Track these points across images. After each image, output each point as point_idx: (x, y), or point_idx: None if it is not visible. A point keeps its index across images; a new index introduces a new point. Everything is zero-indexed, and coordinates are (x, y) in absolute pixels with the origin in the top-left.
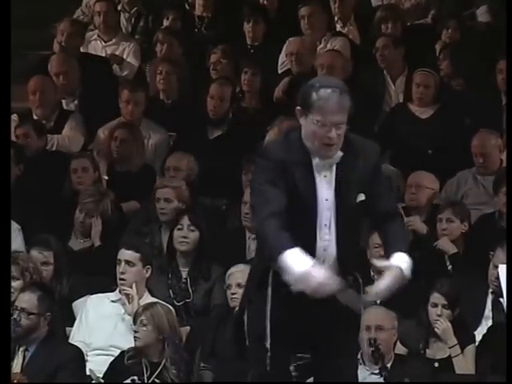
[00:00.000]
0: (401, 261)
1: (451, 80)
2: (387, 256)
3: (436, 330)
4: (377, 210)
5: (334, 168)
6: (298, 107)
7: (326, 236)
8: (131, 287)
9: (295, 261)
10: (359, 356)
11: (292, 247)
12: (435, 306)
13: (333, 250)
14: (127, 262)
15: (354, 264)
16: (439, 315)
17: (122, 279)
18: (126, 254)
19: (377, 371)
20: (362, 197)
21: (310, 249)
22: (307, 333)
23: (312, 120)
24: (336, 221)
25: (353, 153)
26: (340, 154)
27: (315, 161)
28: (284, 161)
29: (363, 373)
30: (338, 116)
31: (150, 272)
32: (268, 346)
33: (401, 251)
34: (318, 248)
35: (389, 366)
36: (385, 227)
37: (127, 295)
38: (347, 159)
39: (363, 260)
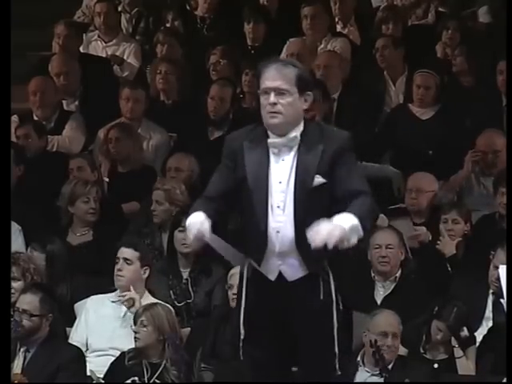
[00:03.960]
0: (345, 220)
1: (461, 77)
2: None
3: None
4: (338, 194)
5: (294, 152)
6: (258, 90)
7: (279, 218)
8: (129, 290)
9: (191, 217)
10: (359, 358)
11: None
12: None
13: (287, 232)
14: (125, 260)
15: (318, 251)
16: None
17: (119, 275)
18: (124, 251)
19: (377, 372)
20: (319, 178)
21: (262, 229)
22: (280, 322)
23: (260, 93)
24: (295, 205)
25: (314, 137)
26: (295, 135)
27: (273, 142)
28: (236, 145)
29: (363, 374)
30: (278, 82)
31: (148, 272)
32: (242, 335)
33: (351, 213)
34: (272, 229)
35: (389, 367)
36: (347, 206)
37: (129, 300)
38: (307, 143)
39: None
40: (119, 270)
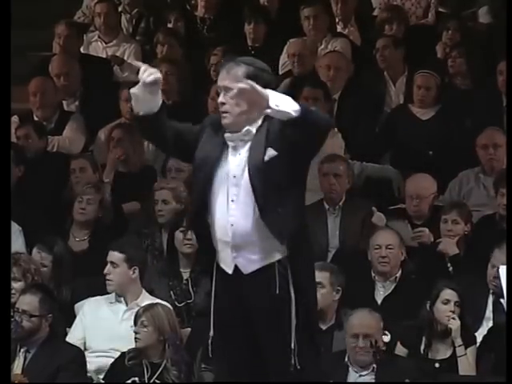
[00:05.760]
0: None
1: (458, 79)
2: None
3: (449, 326)
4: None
5: (248, 145)
6: None
7: (233, 211)
8: (119, 289)
9: None
10: (346, 359)
11: None
12: (448, 302)
13: (241, 225)
14: (112, 263)
15: (280, 243)
16: (452, 311)
17: (107, 280)
18: (111, 254)
19: (364, 373)
20: (270, 151)
21: (206, 221)
22: (241, 317)
23: None
24: (253, 194)
25: (263, 129)
26: (248, 129)
27: (228, 136)
28: (204, 127)
29: (352, 374)
30: (226, 81)
31: (137, 272)
32: (211, 332)
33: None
34: (227, 223)
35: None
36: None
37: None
38: (258, 137)
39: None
40: (107, 273)
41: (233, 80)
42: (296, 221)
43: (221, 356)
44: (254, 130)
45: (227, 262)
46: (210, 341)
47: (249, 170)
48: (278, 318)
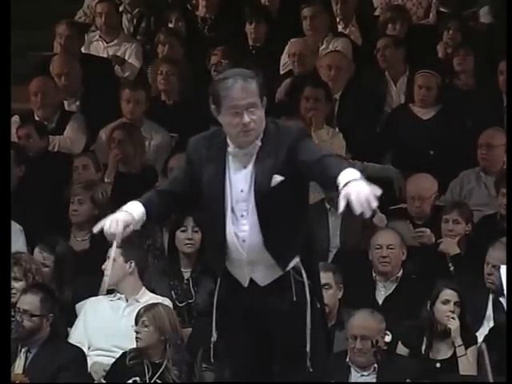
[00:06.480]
0: (350, 174)
1: (461, 77)
2: (334, 181)
3: (449, 326)
4: (313, 173)
5: (254, 158)
6: (212, 106)
7: (244, 227)
8: (117, 286)
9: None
10: (347, 359)
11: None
12: (447, 302)
13: (254, 239)
14: (109, 258)
15: (292, 252)
16: (452, 311)
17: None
18: (108, 250)
19: (366, 374)
20: (277, 178)
21: (220, 239)
22: (254, 324)
23: (226, 112)
24: (258, 210)
25: (271, 139)
26: (258, 143)
27: (233, 151)
28: (195, 156)
29: (354, 374)
30: (246, 100)
31: (133, 266)
32: (214, 338)
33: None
34: (238, 239)
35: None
36: (318, 171)
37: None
38: (265, 147)
39: (309, 248)
40: (105, 269)
41: (253, 96)
42: (302, 236)
43: (224, 361)
44: (259, 143)
45: (242, 276)
46: (211, 345)
47: (255, 190)
48: (294, 323)
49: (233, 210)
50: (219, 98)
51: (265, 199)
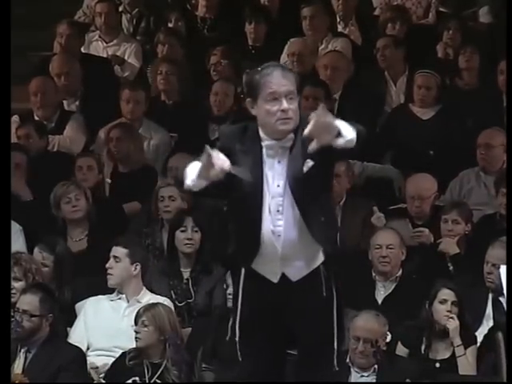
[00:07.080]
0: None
1: (462, 77)
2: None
3: (447, 326)
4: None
5: (288, 152)
6: (248, 99)
7: (280, 222)
8: (120, 284)
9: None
10: (348, 360)
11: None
12: (444, 302)
13: (289, 234)
14: (114, 257)
15: (326, 243)
16: (449, 311)
17: (108, 274)
18: (114, 249)
19: (366, 374)
20: (309, 163)
21: (256, 235)
22: (281, 323)
23: (263, 100)
24: (296, 204)
25: (298, 133)
26: (292, 136)
27: (269, 144)
28: (229, 146)
29: (354, 375)
30: (286, 86)
31: (138, 269)
32: (237, 336)
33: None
34: (273, 234)
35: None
36: None
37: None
38: (295, 145)
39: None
40: (109, 267)
41: (292, 84)
42: (336, 223)
43: (245, 359)
44: (293, 136)
45: (273, 271)
46: (237, 345)
47: (289, 182)
48: (323, 320)
49: (269, 206)
50: (257, 87)
51: (299, 190)
